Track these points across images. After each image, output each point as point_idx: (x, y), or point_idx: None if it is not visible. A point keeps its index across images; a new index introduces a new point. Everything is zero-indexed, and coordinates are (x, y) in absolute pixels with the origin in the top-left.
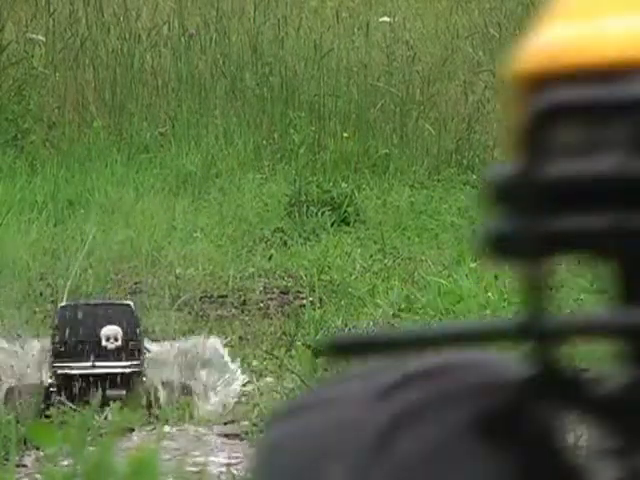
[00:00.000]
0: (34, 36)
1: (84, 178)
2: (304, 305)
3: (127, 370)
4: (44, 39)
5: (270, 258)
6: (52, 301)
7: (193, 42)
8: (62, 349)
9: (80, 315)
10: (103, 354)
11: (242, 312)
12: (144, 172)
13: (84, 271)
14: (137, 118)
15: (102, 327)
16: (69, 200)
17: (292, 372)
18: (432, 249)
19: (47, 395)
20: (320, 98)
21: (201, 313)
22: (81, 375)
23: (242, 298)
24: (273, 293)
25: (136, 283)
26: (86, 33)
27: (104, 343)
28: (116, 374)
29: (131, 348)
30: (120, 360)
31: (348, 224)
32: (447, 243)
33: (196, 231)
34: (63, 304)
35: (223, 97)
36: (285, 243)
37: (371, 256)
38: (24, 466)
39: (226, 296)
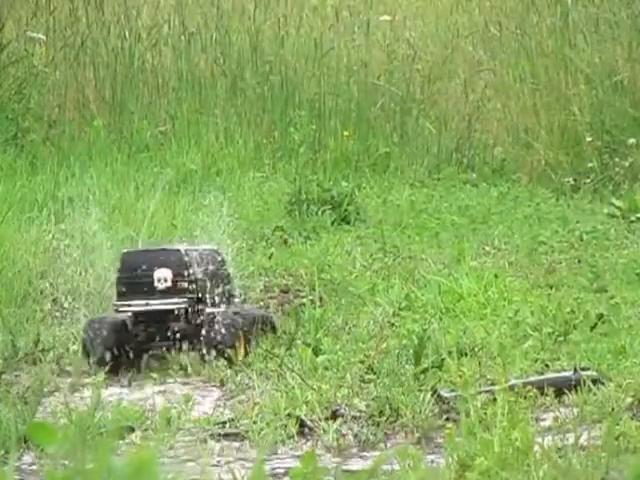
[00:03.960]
0: (34, 35)
1: (84, 177)
2: (304, 304)
3: (176, 307)
4: (44, 38)
5: (270, 257)
6: (53, 299)
7: (193, 41)
8: (123, 289)
9: (139, 260)
10: (156, 293)
11: None
12: (144, 171)
13: (84, 270)
14: (137, 117)
15: (155, 270)
16: (69, 198)
17: (292, 371)
18: (432, 248)
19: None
20: (320, 97)
21: None
22: (137, 312)
23: (242, 296)
24: (273, 292)
25: None
26: (86, 32)
27: (156, 284)
28: (170, 310)
29: (179, 288)
30: (170, 298)
31: (348, 223)
32: (447, 242)
33: (196, 230)
34: (125, 250)
35: (223, 96)
36: (285, 242)
37: (371, 255)
38: (24, 465)
39: None
